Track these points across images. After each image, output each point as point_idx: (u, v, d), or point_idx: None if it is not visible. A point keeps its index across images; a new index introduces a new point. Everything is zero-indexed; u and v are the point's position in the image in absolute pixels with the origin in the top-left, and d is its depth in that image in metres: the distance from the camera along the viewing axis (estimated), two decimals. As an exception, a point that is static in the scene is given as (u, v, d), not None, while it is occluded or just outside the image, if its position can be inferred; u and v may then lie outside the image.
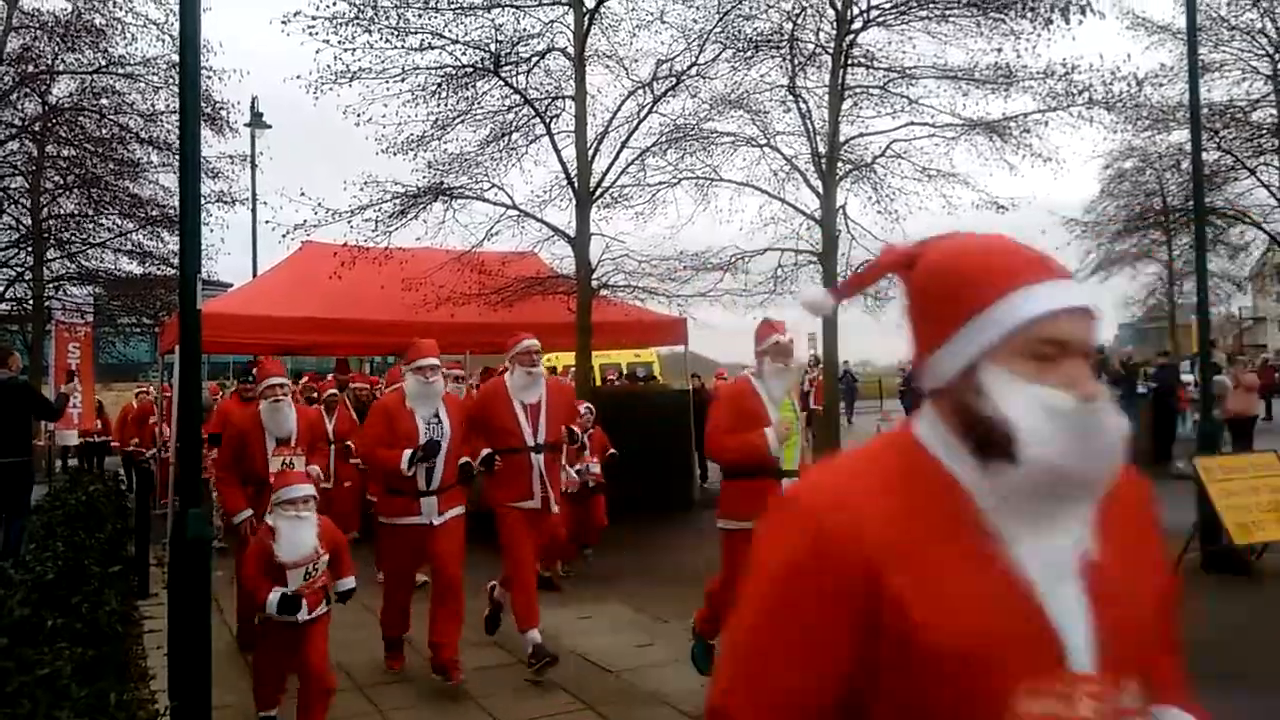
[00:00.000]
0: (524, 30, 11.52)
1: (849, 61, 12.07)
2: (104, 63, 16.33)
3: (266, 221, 13.78)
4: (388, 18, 10.92)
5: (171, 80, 16.16)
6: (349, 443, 8.72)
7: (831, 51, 12.01)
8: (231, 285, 17.81)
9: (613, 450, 9.12)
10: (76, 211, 17.63)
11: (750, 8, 11.86)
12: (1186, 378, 16.18)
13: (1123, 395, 15.21)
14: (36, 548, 4.63)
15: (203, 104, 5.58)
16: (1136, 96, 12.61)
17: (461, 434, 5.74)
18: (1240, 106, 17.76)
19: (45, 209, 17.19)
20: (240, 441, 6.15)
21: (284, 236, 11.74)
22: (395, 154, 11.82)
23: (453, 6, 11.16)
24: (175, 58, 15.42)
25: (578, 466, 8.41)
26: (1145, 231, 22.74)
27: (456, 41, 11.31)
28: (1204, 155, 10.39)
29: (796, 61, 12.13)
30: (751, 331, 5.48)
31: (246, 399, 8.80)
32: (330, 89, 11.14)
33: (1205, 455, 8.51)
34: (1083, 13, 10.80)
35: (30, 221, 17.02)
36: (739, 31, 12.00)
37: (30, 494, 8.14)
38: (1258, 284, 28.40)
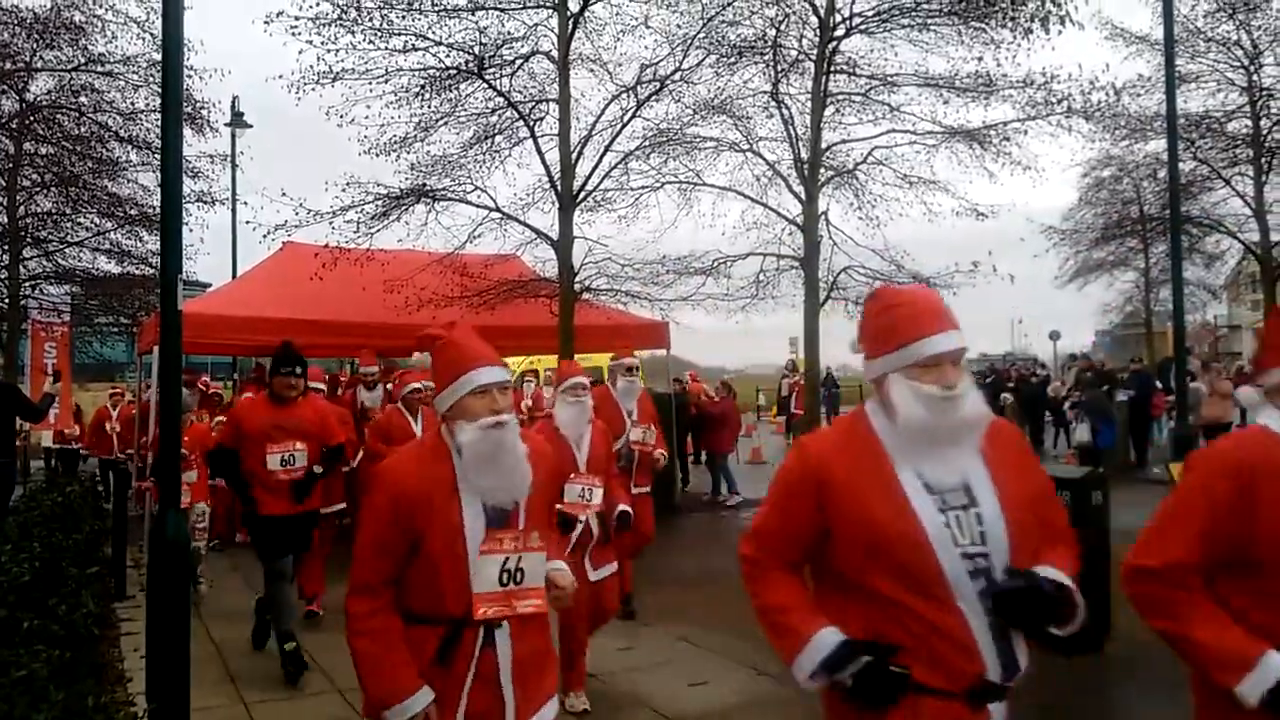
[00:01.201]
0: (508, 33, 11.54)
1: (831, 68, 12.15)
2: (83, 60, 16.18)
3: (247, 222, 13.69)
4: (371, 19, 10.92)
5: (151, 79, 16.03)
6: None
7: (814, 58, 12.09)
8: (210, 285, 17.71)
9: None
10: (54, 210, 17.44)
11: (734, 14, 11.95)
12: (1158, 384, 16.35)
13: (1099, 399, 15.36)
14: (13, 549, 4.58)
15: (183, 103, 5.53)
16: (1114, 106, 12.77)
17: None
18: (1216, 117, 17.99)
19: (22, 207, 17.00)
20: (409, 514, 2.47)
21: (264, 237, 11.71)
22: (378, 155, 11.81)
23: (436, 8, 11.16)
24: (155, 56, 15.37)
25: None
26: (1122, 239, 22.99)
27: (440, 43, 11.31)
28: (1180, 165, 10.55)
29: (779, 68, 12.20)
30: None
31: (281, 399, 5.86)
32: (312, 89, 11.11)
33: (1180, 461, 8.61)
34: (1062, 23, 10.93)
35: (6, 219, 16.82)
36: (723, 37, 12.07)
37: (10, 496, 8.03)
38: (1232, 292, 28.79)
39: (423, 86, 11.47)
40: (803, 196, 12.41)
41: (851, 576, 2.09)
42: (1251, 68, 17.60)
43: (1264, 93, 17.59)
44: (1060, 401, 18.14)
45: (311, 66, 10.96)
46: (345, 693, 5.52)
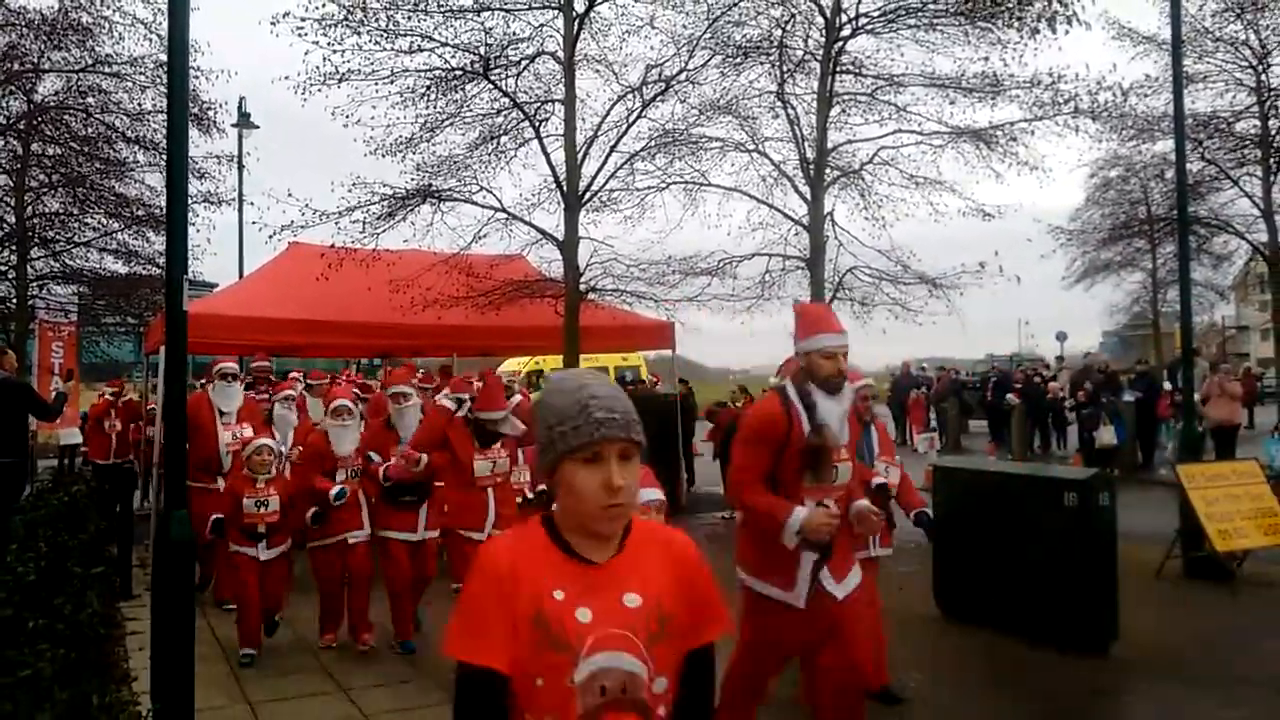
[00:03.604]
0: (514, 34, 11.53)
1: (837, 68, 12.12)
2: (90, 61, 16.22)
3: (253, 222, 13.71)
4: (377, 20, 10.91)
5: (158, 80, 16.06)
6: None
7: (820, 58, 12.06)
8: (217, 285, 17.74)
9: None
10: (61, 210, 17.48)
11: (740, 14, 11.92)
12: (1167, 385, 16.27)
13: (1107, 401, 15.33)
14: (19, 548, 4.60)
15: (190, 104, 5.51)
16: (1122, 106, 12.71)
17: None
18: (1224, 117, 17.92)
19: (30, 207, 17.05)
20: None
21: (271, 237, 11.69)
22: (384, 156, 11.80)
23: (442, 9, 11.15)
24: (162, 57, 15.38)
25: None
26: (1130, 240, 22.93)
27: (446, 44, 11.31)
28: (1188, 165, 10.47)
29: (785, 68, 12.17)
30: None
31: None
32: (319, 90, 11.10)
33: (1187, 463, 8.58)
34: (1069, 23, 10.87)
35: (14, 220, 16.88)
36: (728, 38, 12.04)
37: (21, 495, 8.04)
38: (1240, 293, 28.73)
39: (428, 87, 11.48)
40: (808, 197, 12.37)
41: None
42: (1260, 67, 17.53)
43: (1272, 93, 17.53)
44: (1061, 403, 18.05)
45: (318, 67, 10.96)
46: (349, 692, 5.53)
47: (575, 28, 11.45)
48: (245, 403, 8.07)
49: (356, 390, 10.22)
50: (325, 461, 6.26)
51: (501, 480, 6.16)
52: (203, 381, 8.71)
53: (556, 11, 11.55)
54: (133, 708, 3.13)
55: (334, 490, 6.10)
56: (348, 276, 10.99)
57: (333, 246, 11.08)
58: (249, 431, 7.45)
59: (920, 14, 11.69)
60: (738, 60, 12.20)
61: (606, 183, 12.14)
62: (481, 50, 11.36)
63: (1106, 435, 14.86)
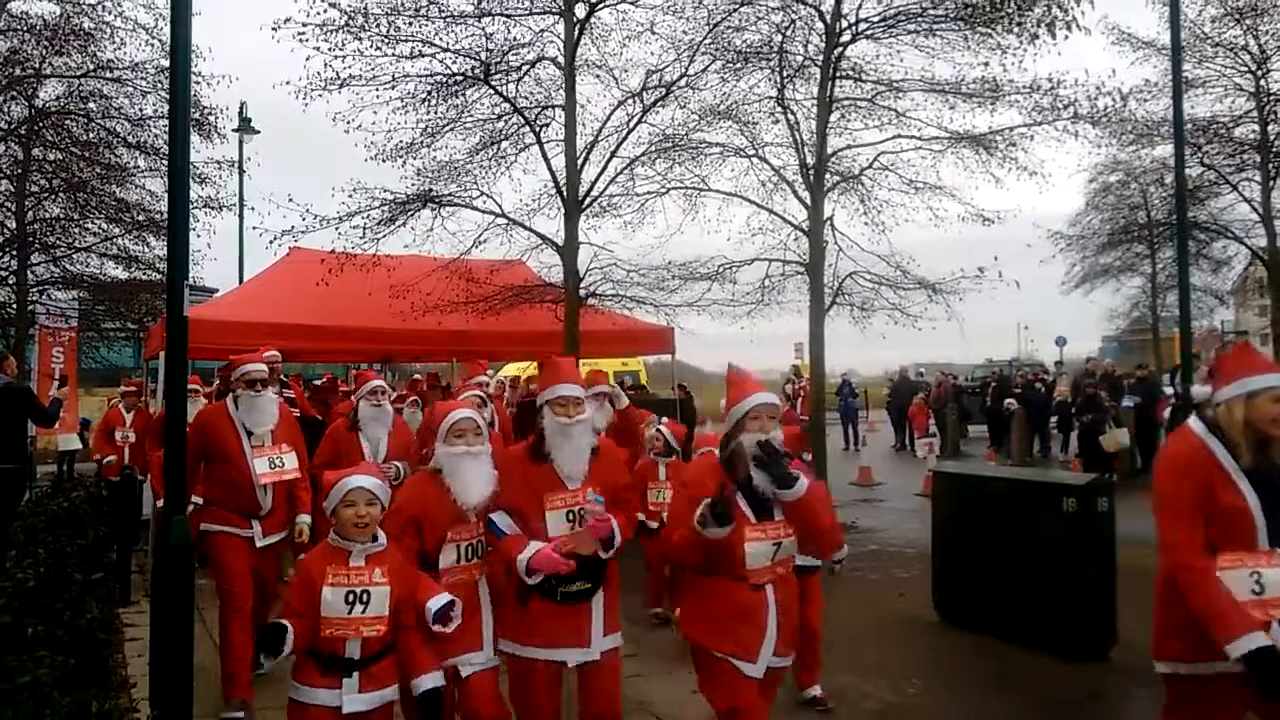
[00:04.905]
0: (514, 39, 11.55)
1: (837, 74, 12.13)
2: (92, 66, 16.27)
3: (254, 227, 13.78)
4: (378, 25, 10.91)
5: (160, 85, 16.12)
6: None
7: (820, 64, 12.06)
8: (217, 291, 17.76)
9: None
10: (62, 215, 17.51)
11: (740, 20, 11.92)
12: (1168, 389, 16.29)
13: (1106, 407, 15.33)
14: (18, 554, 4.59)
15: (191, 109, 5.53)
16: (1121, 111, 12.68)
17: None
18: (1223, 122, 17.94)
19: (30, 212, 17.07)
20: None
21: (271, 242, 11.69)
22: (384, 161, 11.80)
23: (443, 15, 11.17)
24: (163, 62, 15.44)
25: None
26: (1129, 245, 22.94)
27: (447, 50, 11.32)
28: (1187, 170, 10.51)
29: (785, 73, 12.18)
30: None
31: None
32: (320, 96, 11.12)
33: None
34: (1068, 29, 10.88)
35: (15, 225, 16.91)
36: (728, 43, 12.05)
37: (20, 501, 8.04)
38: (1240, 298, 28.67)
39: (429, 93, 11.49)
40: (808, 202, 12.36)
41: None
42: (1259, 73, 17.55)
43: (1271, 98, 17.54)
44: (1068, 407, 18.04)
45: (319, 73, 10.98)
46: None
47: (576, 33, 11.47)
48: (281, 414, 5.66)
49: (485, 391, 7.35)
50: (430, 530, 3.63)
51: (784, 571, 3.52)
52: (224, 389, 6.49)
53: (557, 17, 11.57)
54: (132, 714, 3.13)
55: (434, 602, 3.41)
56: (348, 281, 11.00)
57: (333, 251, 11.10)
58: (290, 461, 5.45)
59: (920, 19, 11.69)
60: (738, 66, 12.21)
61: (607, 188, 12.15)
62: (482, 55, 11.38)
63: (1122, 437, 14.77)
